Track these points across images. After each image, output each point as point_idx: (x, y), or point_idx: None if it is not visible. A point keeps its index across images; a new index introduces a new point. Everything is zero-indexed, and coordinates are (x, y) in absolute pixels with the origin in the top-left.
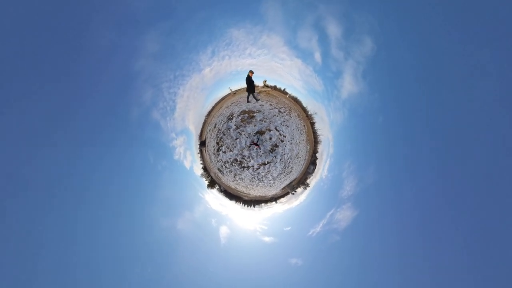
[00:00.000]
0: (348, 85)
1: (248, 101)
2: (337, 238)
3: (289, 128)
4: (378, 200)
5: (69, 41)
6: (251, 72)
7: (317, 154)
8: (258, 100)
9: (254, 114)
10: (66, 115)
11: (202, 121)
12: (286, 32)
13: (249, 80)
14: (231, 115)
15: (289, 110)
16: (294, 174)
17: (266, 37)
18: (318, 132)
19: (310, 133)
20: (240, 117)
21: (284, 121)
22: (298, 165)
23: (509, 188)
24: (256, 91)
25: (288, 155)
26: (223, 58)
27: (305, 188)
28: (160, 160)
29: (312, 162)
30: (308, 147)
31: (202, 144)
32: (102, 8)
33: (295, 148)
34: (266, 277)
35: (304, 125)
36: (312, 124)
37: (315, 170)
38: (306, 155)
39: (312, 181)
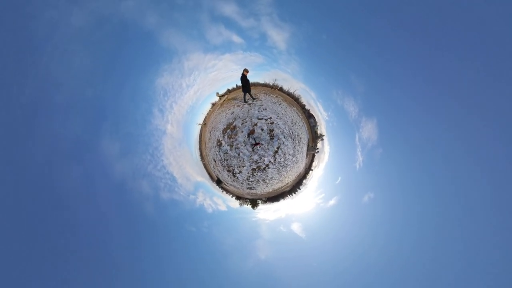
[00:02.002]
0: (277, 36)
1: (245, 101)
2: (380, 151)
3: (267, 109)
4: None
5: None
6: (246, 70)
7: (306, 107)
8: (255, 99)
9: (233, 123)
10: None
11: (202, 166)
12: (197, 45)
13: (245, 79)
14: (218, 141)
15: (256, 97)
16: (304, 137)
17: (186, 62)
18: (291, 90)
19: (286, 97)
20: (226, 137)
21: (259, 108)
22: (301, 128)
23: None
24: (219, 101)
25: (286, 128)
26: (172, 107)
27: (322, 139)
28: (201, 223)
29: (308, 116)
30: (295, 108)
31: (219, 182)
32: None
33: (286, 118)
34: None
35: (276, 96)
36: (281, 89)
37: (316, 119)
38: (299, 116)
39: (322, 129)
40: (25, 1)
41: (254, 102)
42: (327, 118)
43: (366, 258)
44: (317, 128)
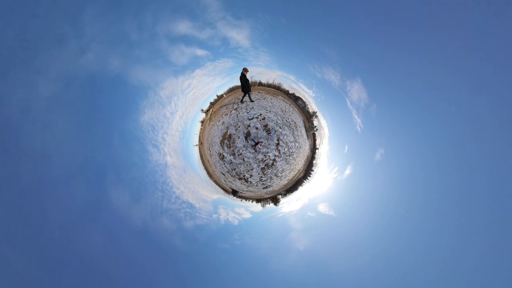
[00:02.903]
0: (238, 36)
1: (242, 102)
2: (374, 107)
3: (254, 107)
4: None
5: None
6: (246, 69)
7: (290, 91)
8: (253, 101)
9: (228, 132)
10: None
11: (213, 183)
12: (166, 71)
13: (244, 79)
14: (220, 154)
15: (236, 99)
16: (299, 121)
17: (162, 91)
18: (270, 81)
19: (267, 89)
20: (225, 147)
21: (247, 109)
22: (292, 113)
23: None
24: (210, 114)
25: (279, 118)
26: (164, 139)
27: (316, 116)
28: (231, 237)
29: (295, 100)
30: (280, 97)
31: (235, 193)
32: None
33: (275, 109)
34: None
35: (258, 92)
36: (260, 83)
37: (304, 100)
38: (286, 102)
39: (313, 107)
40: None
41: (251, 103)
42: (313, 94)
43: (398, 213)
44: (308, 108)
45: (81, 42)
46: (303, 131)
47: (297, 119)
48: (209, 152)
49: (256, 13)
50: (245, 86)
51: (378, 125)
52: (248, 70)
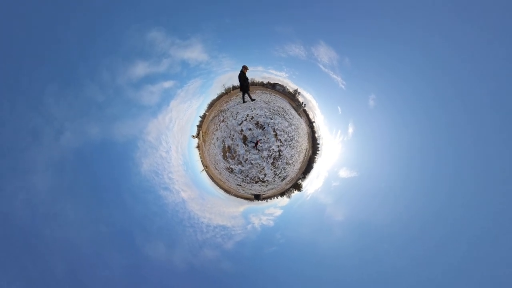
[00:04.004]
0: (193, 54)
1: (244, 101)
2: (346, 60)
3: (239, 112)
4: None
5: None
6: (245, 67)
7: (264, 82)
8: (254, 100)
9: (226, 145)
10: None
11: (234, 197)
12: (144, 116)
13: (243, 77)
14: (228, 168)
15: (222, 110)
16: (285, 104)
17: (148, 136)
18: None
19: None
20: (229, 160)
21: (234, 116)
22: (276, 100)
23: None
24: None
25: (266, 111)
26: (171, 178)
27: (299, 93)
28: (274, 238)
29: (272, 86)
30: (258, 91)
31: (258, 197)
32: None
33: (259, 104)
34: None
35: (236, 96)
36: (234, 87)
37: (282, 85)
38: (265, 93)
39: (292, 86)
40: None
41: (253, 102)
42: (286, 75)
43: (411, 150)
44: (288, 89)
45: (54, 126)
46: (293, 112)
47: (283, 103)
48: (217, 171)
49: (199, 26)
50: (243, 84)
51: (358, 74)
52: (248, 68)
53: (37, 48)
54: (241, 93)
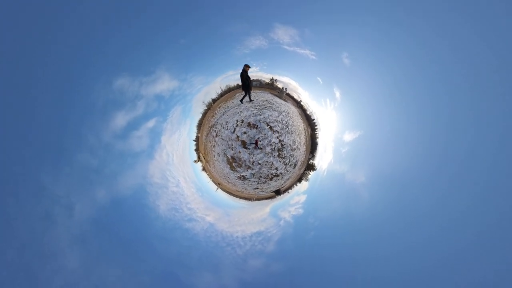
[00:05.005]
0: (165, 84)
1: (242, 102)
2: (307, 31)
3: (228, 121)
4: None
5: None
6: (247, 66)
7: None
8: (252, 100)
9: (229, 155)
10: None
11: (256, 201)
12: (142, 162)
13: (246, 75)
14: (240, 177)
15: (211, 126)
16: (268, 96)
17: (153, 179)
18: (222, 89)
19: (226, 97)
20: (237, 169)
21: (224, 127)
22: (258, 95)
23: None
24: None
25: (252, 110)
26: (191, 209)
27: (276, 80)
28: (311, 223)
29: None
30: (237, 95)
31: (278, 192)
32: None
33: (245, 105)
34: None
35: (219, 107)
36: (216, 98)
37: (257, 79)
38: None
39: (268, 77)
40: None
41: (252, 102)
42: (257, 68)
43: (405, 93)
44: (263, 81)
45: (62, 204)
46: (278, 100)
47: (265, 96)
48: (231, 184)
49: (158, 56)
50: (245, 83)
51: (322, 39)
52: (250, 66)
53: (17, 130)
54: (242, 93)
